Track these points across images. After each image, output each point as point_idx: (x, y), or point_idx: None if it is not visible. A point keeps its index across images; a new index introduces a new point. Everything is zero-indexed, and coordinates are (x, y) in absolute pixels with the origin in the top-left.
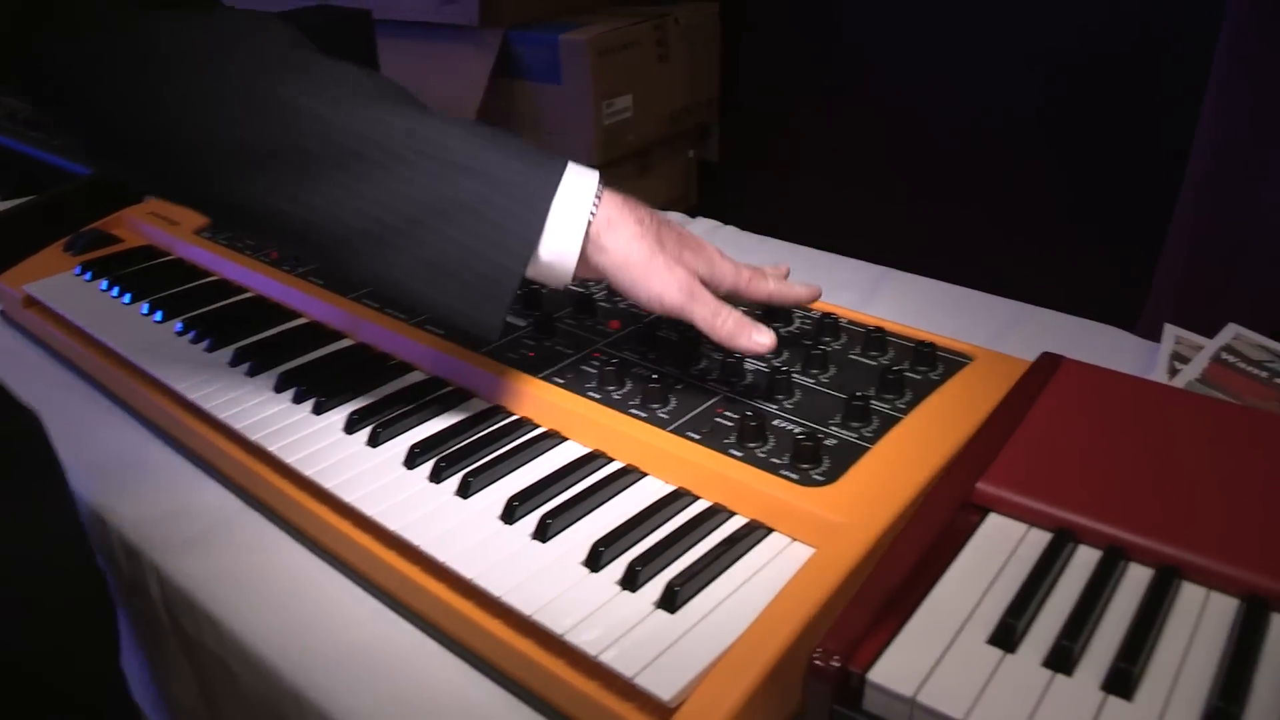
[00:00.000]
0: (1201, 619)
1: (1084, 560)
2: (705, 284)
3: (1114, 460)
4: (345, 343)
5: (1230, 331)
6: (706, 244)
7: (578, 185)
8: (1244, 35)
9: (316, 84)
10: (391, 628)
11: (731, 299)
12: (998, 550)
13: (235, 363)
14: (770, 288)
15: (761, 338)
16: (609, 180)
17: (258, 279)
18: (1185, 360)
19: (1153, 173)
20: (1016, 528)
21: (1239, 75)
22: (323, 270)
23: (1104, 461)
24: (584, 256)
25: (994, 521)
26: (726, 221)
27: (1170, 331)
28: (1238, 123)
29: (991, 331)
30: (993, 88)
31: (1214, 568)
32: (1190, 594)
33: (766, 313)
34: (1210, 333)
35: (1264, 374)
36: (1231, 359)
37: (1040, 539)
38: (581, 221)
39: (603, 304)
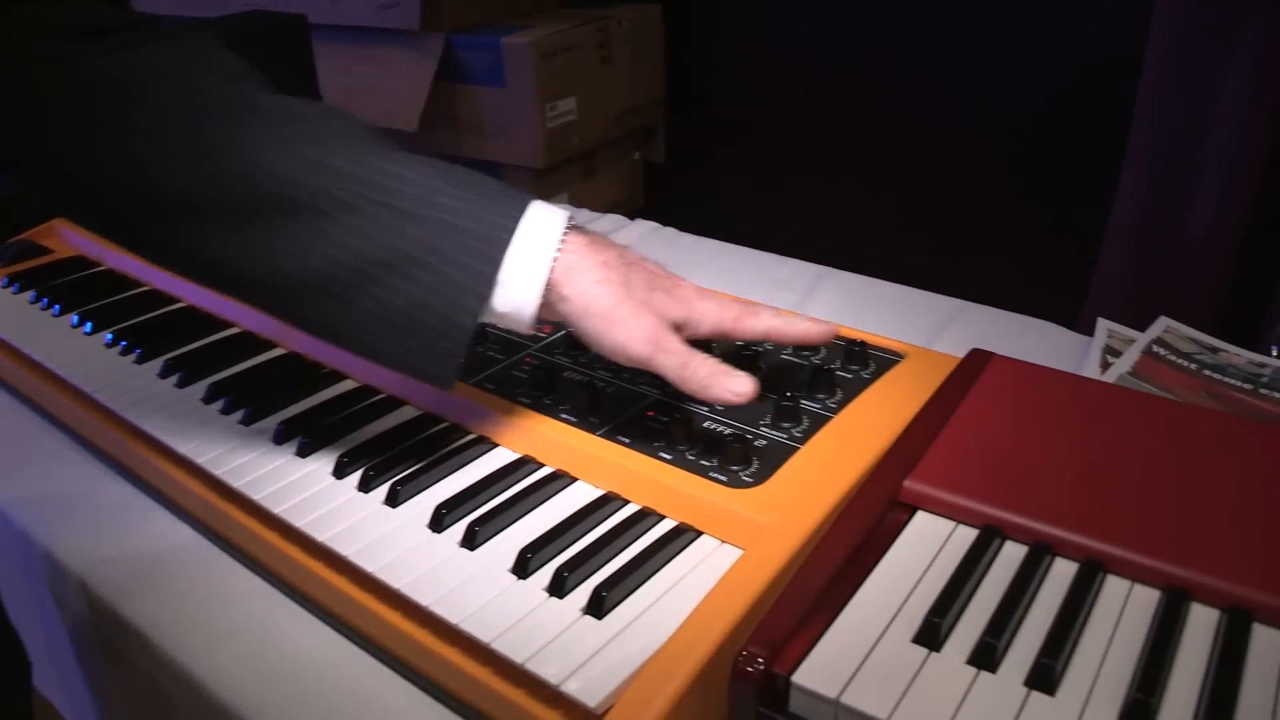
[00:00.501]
0: (1124, 611)
1: (1011, 556)
2: (682, 327)
3: (1041, 455)
4: (277, 352)
5: (1161, 324)
6: (684, 283)
7: (539, 230)
8: (1173, 36)
9: (258, 126)
10: (323, 640)
11: (722, 340)
12: (925, 548)
13: (165, 374)
14: (764, 324)
15: (739, 386)
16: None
17: (189, 289)
18: (1117, 354)
19: (1093, 168)
20: (944, 525)
21: (1169, 74)
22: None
23: (1031, 457)
24: (545, 303)
25: (921, 519)
26: (675, 222)
27: (1103, 325)
28: (1170, 119)
29: (929, 328)
30: (936, 87)
31: (1136, 560)
32: (1114, 587)
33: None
34: (1145, 323)
35: (1192, 366)
36: (1162, 352)
37: (967, 536)
38: (541, 271)
39: None
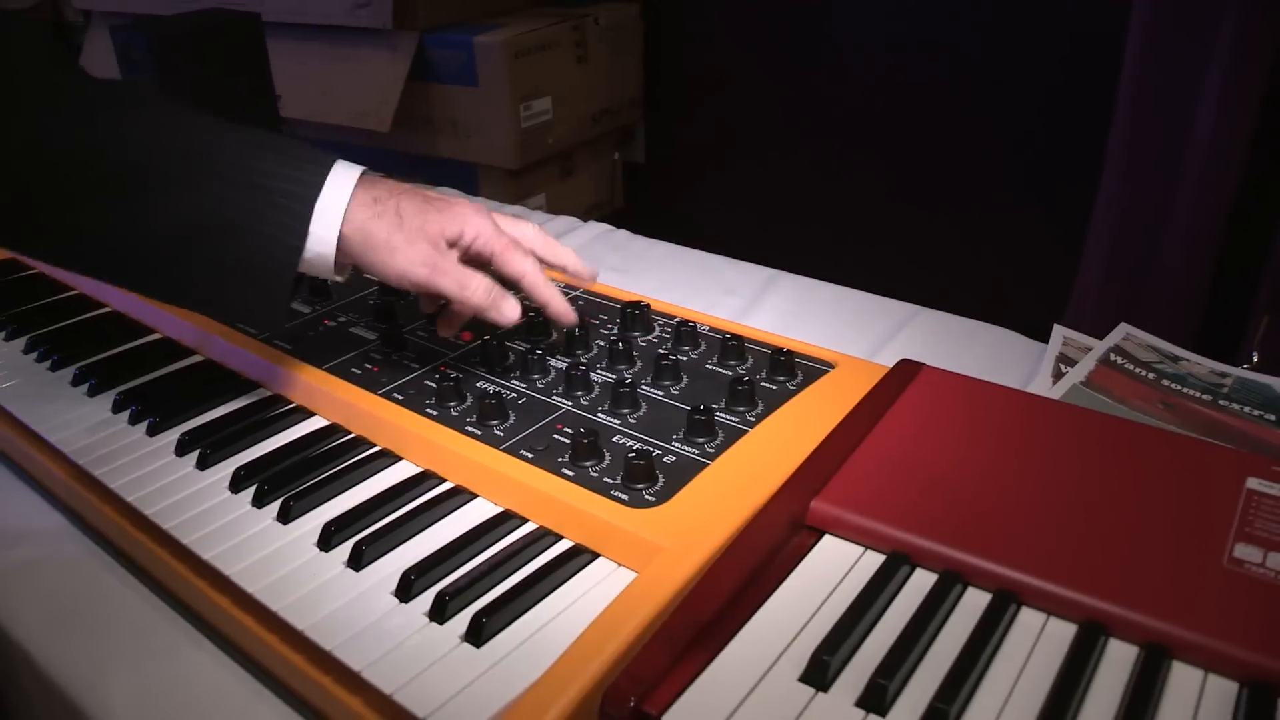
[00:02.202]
0: (1036, 646)
1: (920, 585)
2: (457, 241)
3: (961, 476)
4: (194, 359)
5: (1120, 332)
6: (459, 202)
7: (337, 185)
8: (1150, 40)
9: (86, 110)
10: (209, 659)
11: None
12: (827, 576)
13: (76, 382)
14: (519, 268)
15: (510, 311)
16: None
17: (115, 294)
18: (1072, 362)
19: (1074, 174)
20: (851, 550)
21: (1147, 78)
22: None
23: (950, 477)
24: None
25: (827, 544)
26: (654, 223)
27: (1058, 332)
28: (1148, 125)
29: (878, 335)
30: (918, 89)
31: (1052, 591)
32: (1028, 619)
33: (621, 327)
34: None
35: (1150, 375)
36: (1119, 360)
37: (874, 563)
38: (336, 223)
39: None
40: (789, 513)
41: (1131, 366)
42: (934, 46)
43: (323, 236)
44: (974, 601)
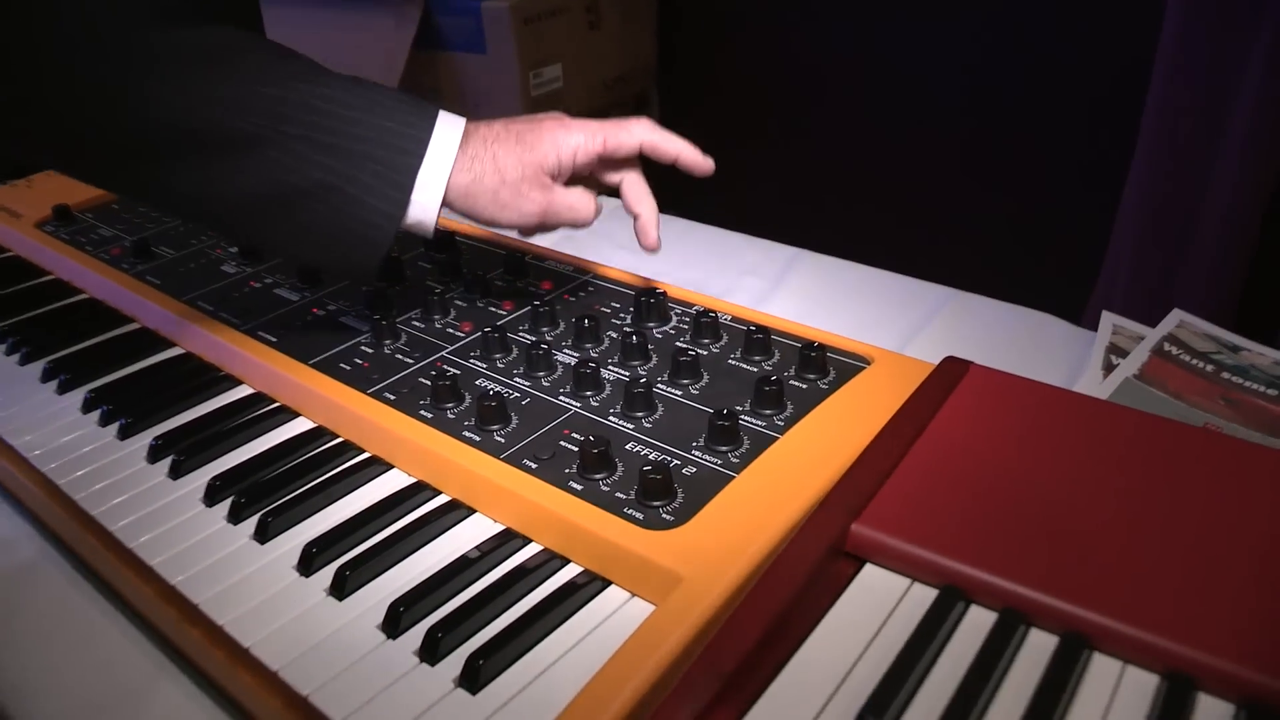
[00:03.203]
0: (1114, 702)
1: (977, 623)
2: (559, 173)
3: (1022, 495)
4: (173, 351)
5: (1174, 319)
6: (546, 122)
7: (439, 149)
8: (1186, 21)
9: (186, 70)
10: (182, 693)
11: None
12: (869, 613)
13: (46, 377)
14: (638, 137)
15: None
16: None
17: (93, 279)
18: (1123, 353)
19: (1104, 148)
20: (898, 582)
21: (1185, 46)
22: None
23: (1010, 497)
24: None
25: (870, 574)
26: (670, 192)
27: (1107, 320)
28: (1185, 95)
29: (911, 322)
30: (941, 64)
31: (1131, 634)
32: (1103, 668)
33: (635, 317)
34: (1158, 317)
35: (1209, 367)
36: (1174, 350)
37: (924, 598)
38: (439, 190)
39: (459, 303)
40: (826, 537)
41: (1188, 358)
42: (963, 19)
43: (425, 204)
44: (1039, 645)
